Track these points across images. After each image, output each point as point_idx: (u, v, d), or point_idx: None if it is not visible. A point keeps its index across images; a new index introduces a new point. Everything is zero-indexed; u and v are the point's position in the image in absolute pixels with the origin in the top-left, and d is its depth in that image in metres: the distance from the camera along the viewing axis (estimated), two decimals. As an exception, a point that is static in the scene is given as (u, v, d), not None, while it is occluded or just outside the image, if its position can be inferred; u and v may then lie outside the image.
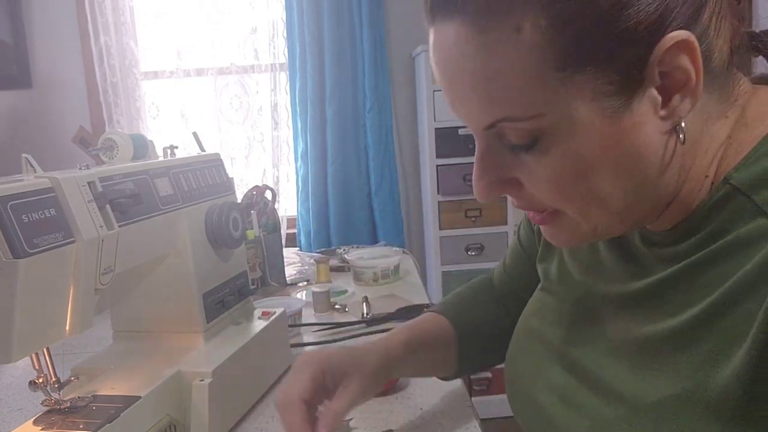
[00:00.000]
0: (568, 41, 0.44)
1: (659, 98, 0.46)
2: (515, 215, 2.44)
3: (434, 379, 0.94)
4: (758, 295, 0.43)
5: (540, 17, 0.44)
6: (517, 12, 0.45)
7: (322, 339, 1.17)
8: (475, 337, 0.83)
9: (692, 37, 0.45)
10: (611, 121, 0.46)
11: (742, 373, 0.43)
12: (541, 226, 0.56)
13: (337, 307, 1.34)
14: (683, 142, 0.48)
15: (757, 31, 0.53)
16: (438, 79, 0.51)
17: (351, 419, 0.84)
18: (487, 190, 0.53)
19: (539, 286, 0.72)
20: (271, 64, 2.67)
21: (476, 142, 0.53)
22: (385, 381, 0.74)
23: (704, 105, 0.49)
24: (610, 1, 0.43)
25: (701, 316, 0.47)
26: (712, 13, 0.47)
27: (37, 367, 0.68)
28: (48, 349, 0.68)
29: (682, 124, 0.47)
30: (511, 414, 0.69)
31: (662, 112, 0.47)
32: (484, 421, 0.85)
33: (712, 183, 0.50)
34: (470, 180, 0.61)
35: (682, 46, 0.45)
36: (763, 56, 0.53)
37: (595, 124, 0.46)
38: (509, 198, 0.54)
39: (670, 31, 0.44)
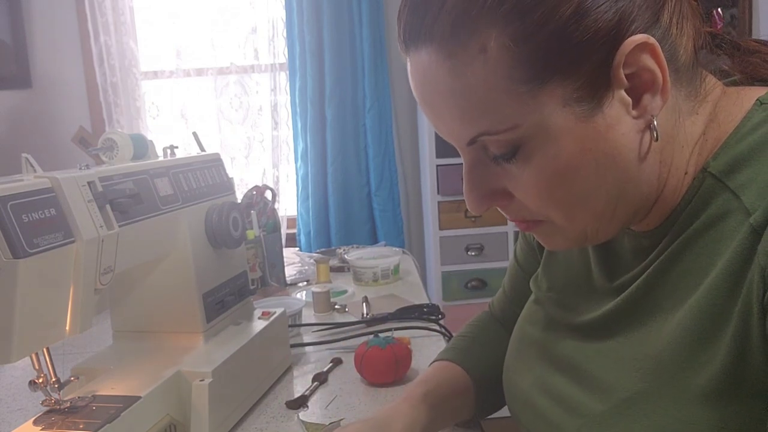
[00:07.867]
0: (532, 55, 0.47)
1: (629, 99, 0.49)
2: (515, 215, 2.44)
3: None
4: (740, 282, 0.45)
5: (502, 35, 0.47)
6: (480, 34, 0.47)
7: (322, 339, 1.17)
8: (492, 380, 0.78)
9: (651, 39, 0.47)
10: (585, 124, 0.48)
11: (726, 355, 0.45)
12: (534, 233, 0.58)
13: (337, 307, 1.34)
14: (656, 139, 0.50)
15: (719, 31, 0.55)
16: (419, 103, 0.55)
17: (343, 419, 0.85)
18: (479, 203, 0.55)
19: (531, 297, 0.73)
20: (271, 64, 2.67)
21: (463, 158, 0.55)
22: None
23: (675, 101, 0.51)
24: (567, 14, 0.46)
25: (683, 308, 0.49)
26: (672, 13, 0.50)
27: (37, 367, 0.68)
28: (48, 349, 0.68)
29: (654, 122, 0.49)
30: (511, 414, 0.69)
31: (634, 112, 0.49)
32: (483, 421, 0.84)
33: (693, 178, 0.52)
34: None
35: (643, 47, 0.47)
36: (726, 55, 0.56)
37: (570, 128, 0.48)
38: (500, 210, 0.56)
39: (630, 35, 0.47)
